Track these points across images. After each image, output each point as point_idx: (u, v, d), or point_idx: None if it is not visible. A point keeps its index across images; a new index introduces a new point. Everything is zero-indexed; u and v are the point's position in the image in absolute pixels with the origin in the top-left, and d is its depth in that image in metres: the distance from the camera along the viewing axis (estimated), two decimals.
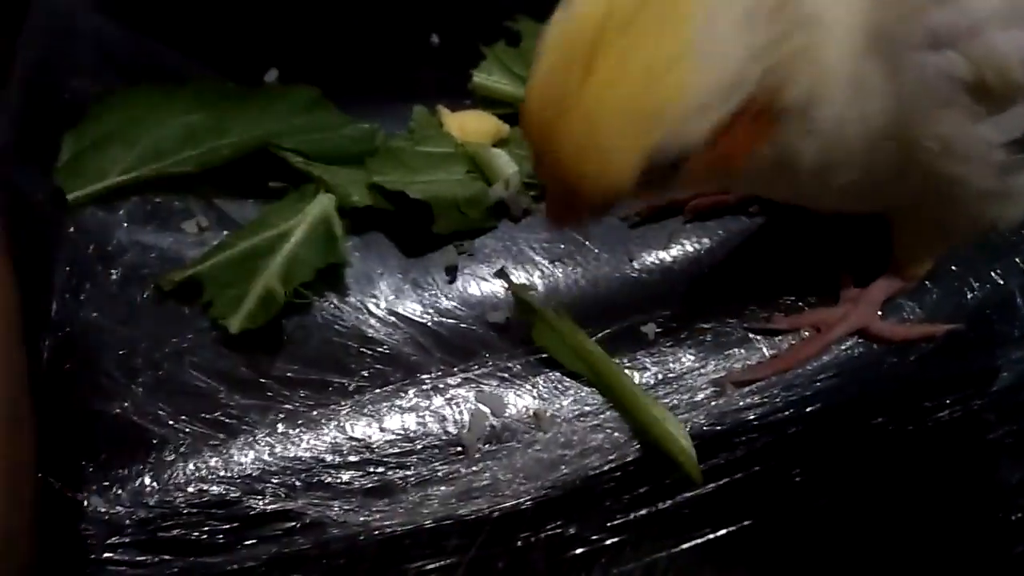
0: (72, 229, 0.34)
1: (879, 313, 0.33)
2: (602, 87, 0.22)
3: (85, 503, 0.26)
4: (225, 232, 0.34)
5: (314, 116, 0.38)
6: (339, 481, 0.27)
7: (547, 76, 0.23)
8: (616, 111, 0.22)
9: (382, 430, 0.28)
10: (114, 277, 0.32)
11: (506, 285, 0.33)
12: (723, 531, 0.30)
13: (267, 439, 0.27)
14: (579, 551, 0.29)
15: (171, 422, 0.28)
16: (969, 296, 0.34)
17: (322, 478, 0.27)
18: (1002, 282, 0.34)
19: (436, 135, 0.39)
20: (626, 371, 0.30)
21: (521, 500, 0.28)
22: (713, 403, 0.30)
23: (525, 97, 0.24)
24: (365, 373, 0.29)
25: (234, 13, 0.51)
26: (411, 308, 0.32)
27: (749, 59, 0.23)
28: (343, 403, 0.28)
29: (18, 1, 0.53)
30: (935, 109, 0.26)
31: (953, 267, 0.34)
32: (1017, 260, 0.35)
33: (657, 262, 0.35)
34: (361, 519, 0.27)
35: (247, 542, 0.26)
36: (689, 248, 0.35)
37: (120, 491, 0.27)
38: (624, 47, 0.22)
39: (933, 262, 0.33)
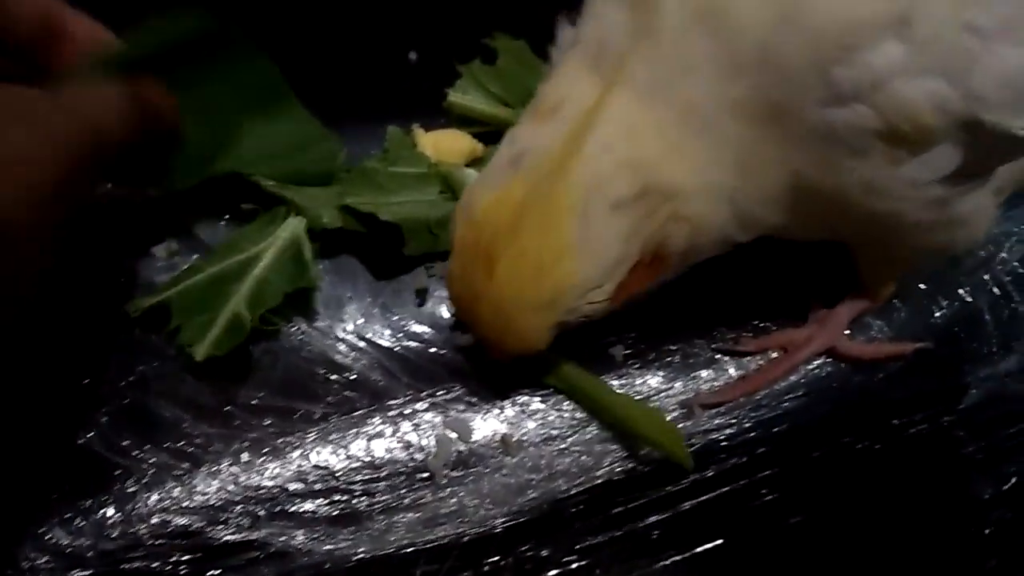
0: None
1: (847, 332, 0.33)
2: (503, 285, 0.26)
3: (47, 535, 0.26)
4: (195, 256, 0.34)
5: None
6: (304, 510, 0.27)
7: (459, 274, 0.27)
8: (518, 304, 0.26)
9: (348, 457, 0.28)
10: (81, 302, 0.31)
11: None
12: (694, 551, 0.30)
13: (231, 468, 0.27)
14: (550, 573, 0.29)
15: (135, 452, 0.28)
16: (937, 314, 0.34)
17: (286, 507, 0.27)
18: (970, 299, 0.34)
19: (410, 155, 0.39)
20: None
21: (489, 525, 0.28)
22: (681, 424, 0.30)
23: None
24: (331, 399, 0.29)
25: (231, 16, 0.51)
26: (380, 332, 0.32)
27: (624, 240, 0.26)
28: (309, 431, 0.28)
29: None
30: (848, 159, 0.27)
31: (922, 285, 0.34)
32: (986, 277, 0.35)
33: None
34: (326, 548, 0.27)
35: (211, 572, 0.26)
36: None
37: (83, 522, 0.27)
38: (516, 249, 0.26)
39: (896, 283, 0.34)
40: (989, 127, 0.27)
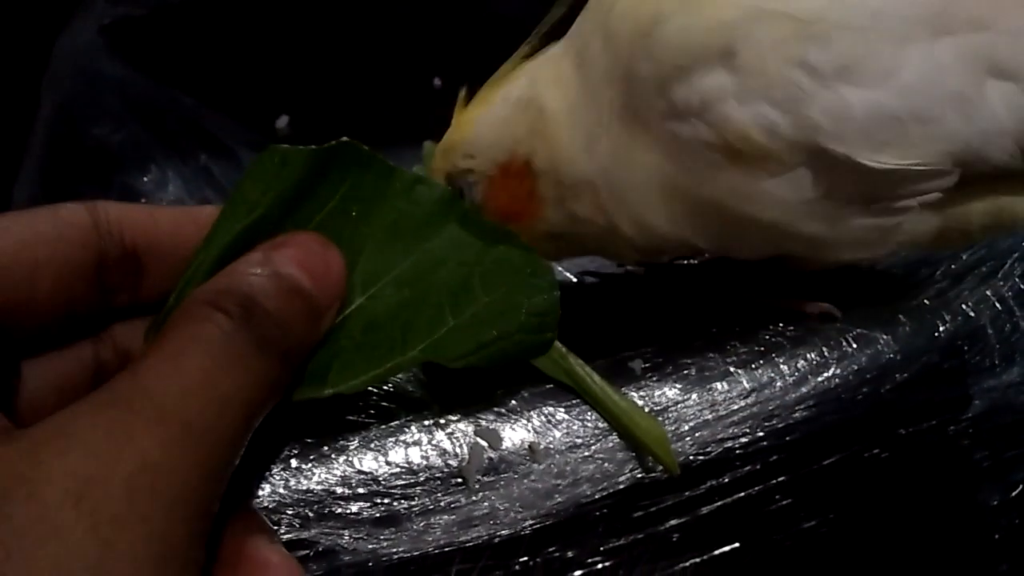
0: None
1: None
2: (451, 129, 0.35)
3: None
4: None
5: None
6: (349, 512, 0.29)
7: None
8: (444, 143, 0.35)
9: (388, 463, 0.30)
10: None
11: None
12: (712, 553, 0.32)
13: (282, 473, 0.29)
14: (576, 573, 0.31)
15: None
16: (941, 328, 0.35)
17: (333, 509, 0.29)
18: (973, 315, 0.36)
19: None
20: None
21: (519, 527, 0.30)
22: (698, 433, 0.32)
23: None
24: (372, 410, 0.31)
25: (246, 62, 0.54)
26: None
27: (505, 127, 0.33)
28: (352, 438, 0.30)
29: (41, 46, 0.56)
30: (708, 169, 0.30)
31: (926, 300, 0.36)
32: (988, 293, 0.36)
33: (643, 298, 0.37)
34: (370, 547, 0.29)
35: None
36: (672, 286, 0.38)
37: None
38: (462, 108, 0.35)
39: None
40: (837, 156, 0.29)
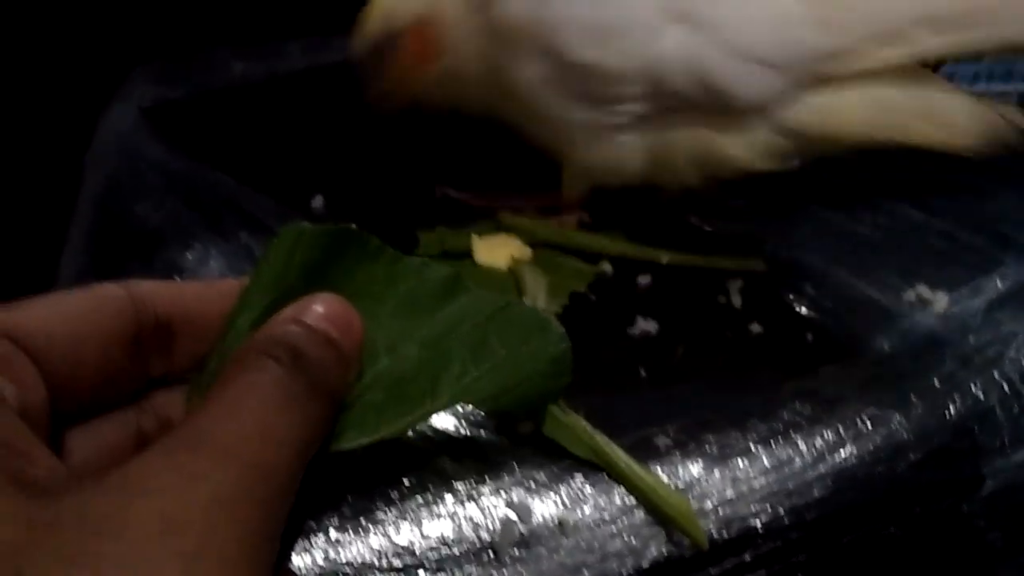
0: None
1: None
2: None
3: None
4: None
5: None
6: None
7: None
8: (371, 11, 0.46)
9: (423, 536, 0.31)
10: None
11: None
12: None
13: (323, 544, 0.30)
14: None
15: None
16: (952, 409, 0.37)
17: None
18: (982, 396, 0.37)
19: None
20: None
21: None
22: (720, 510, 0.33)
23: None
24: (407, 482, 0.32)
25: (282, 144, 0.57)
26: (448, 421, 0.35)
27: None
28: (389, 509, 0.31)
29: (85, 125, 0.59)
30: (499, 45, 0.42)
31: (937, 383, 0.38)
32: (995, 375, 0.38)
33: (667, 377, 0.39)
34: None
35: None
36: (695, 365, 0.39)
37: None
38: None
39: (585, 188, 0.47)
40: (559, 48, 0.41)
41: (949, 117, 0.40)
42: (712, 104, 0.39)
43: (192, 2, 0.71)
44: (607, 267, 0.45)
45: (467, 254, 0.45)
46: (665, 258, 0.43)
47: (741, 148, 0.41)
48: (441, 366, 0.28)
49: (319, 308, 0.25)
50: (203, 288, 0.28)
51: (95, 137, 0.58)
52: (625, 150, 0.42)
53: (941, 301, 0.42)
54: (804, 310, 0.42)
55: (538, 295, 0.42)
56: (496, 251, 0.45)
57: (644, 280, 0.44)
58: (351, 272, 0.28)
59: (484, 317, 0.29)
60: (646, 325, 0.41)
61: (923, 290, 0.43)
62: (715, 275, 0.43)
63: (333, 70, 0.64)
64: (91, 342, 0.24)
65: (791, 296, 0.43)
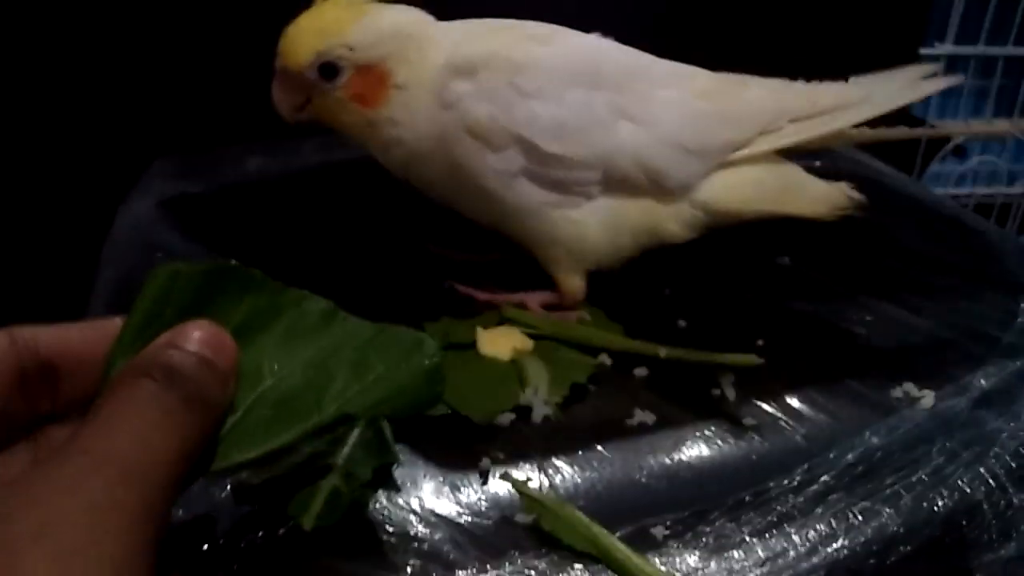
0: None
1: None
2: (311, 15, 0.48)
3: None
4: None
5: None
6: None
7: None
8: (310, 23, 0.47)
9: None
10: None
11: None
12: None
13: None
14: None
15: None
16: (940, 504, 0.38)
17: None
18: (969, 491, 0.38)
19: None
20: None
21: None
22: None
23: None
24: (408, 569, 0.33)
25: (295, 238, 0.59)
26: (449, 508, 0.36)
27: (380, 37, 0.47)
28: None
29: (102, 219, 0.61)
30: (457, 140, 0.47)
31: (924, 477, 0.39)
32: (981, 470, 0.39)
33: (664, 468, 0.40)
34: None
35: None
36: (693, 455, 0.40)
37: None
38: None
39: (578, 280, 0.51)
40: (530, 142, 0.47)
41: (806, 192, 0.50)
42: (651, 184, 0.48)
43: (210, 100, 0.75)
44: (606, 359, 0.46)
45: (471, 345, 0.47)
46: (663, 352, 0.45)
47: (672, 221, 0.49)
48: (325, 383, 0.30)
49: (192, 332, 0.27)
50: (87, 329, 0.29)
51: (112, 229, 0.61)
52: (585, 225, 0.49)
53: (928, 398, 0.44)
54: (796, 403, 0.44)
55: (540, 385, 0.44)
56: (499, 342, 0.47)
57: (641, 372, 0.46)
58: (236, 304, 0.29)
59: (363, 340, 0.31)
60: (643, 416, 0.43)
61: (910, 387, 0.45)
62: (709, 369, 0.45)
63: (345, 167, 0.67)
64: None
65: (783, 390, 0.45)
